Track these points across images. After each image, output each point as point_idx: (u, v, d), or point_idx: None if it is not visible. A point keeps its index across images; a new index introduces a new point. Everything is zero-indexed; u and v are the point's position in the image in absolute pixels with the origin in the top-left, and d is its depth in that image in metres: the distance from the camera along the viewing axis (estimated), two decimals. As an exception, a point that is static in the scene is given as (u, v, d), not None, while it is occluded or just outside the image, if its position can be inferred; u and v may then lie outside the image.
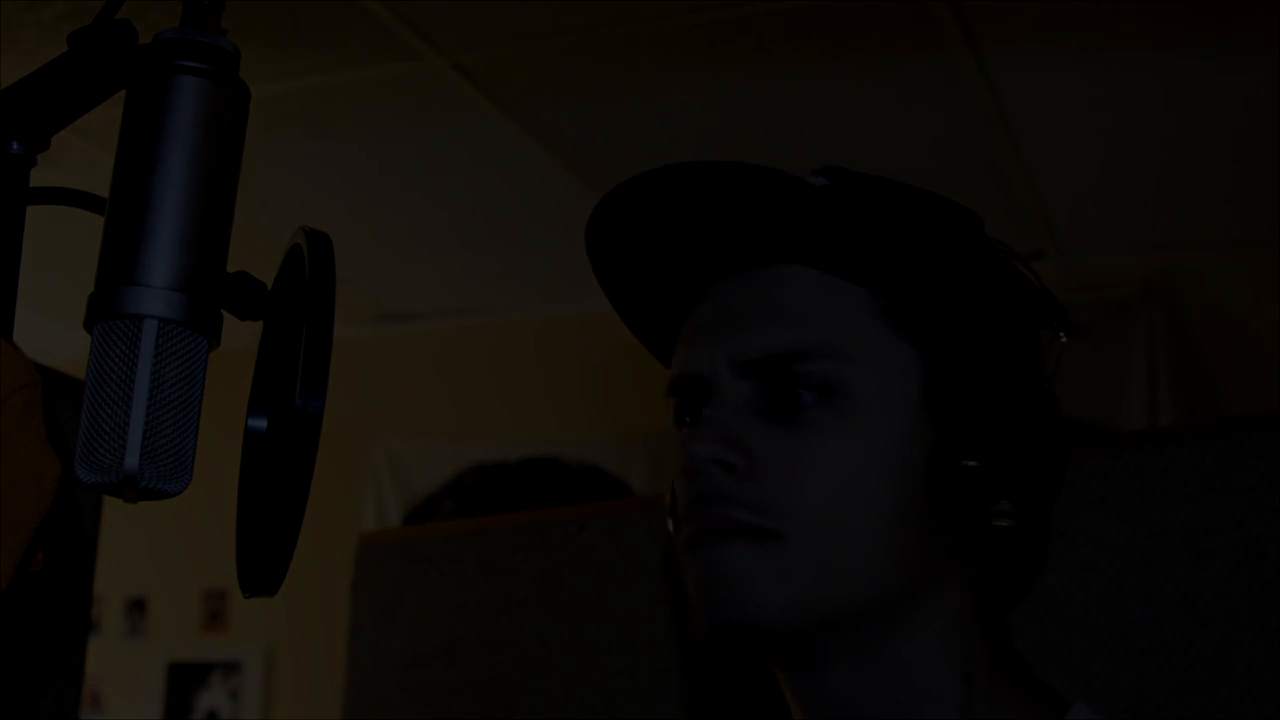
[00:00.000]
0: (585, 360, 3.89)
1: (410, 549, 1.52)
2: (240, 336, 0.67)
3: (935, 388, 0.75)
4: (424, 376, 4.22)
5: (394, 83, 2.79)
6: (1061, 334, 0.78)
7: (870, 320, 0.75)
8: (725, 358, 0.77)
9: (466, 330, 4.18)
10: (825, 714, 0.77)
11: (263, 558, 0.56)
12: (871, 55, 2.64)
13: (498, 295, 4.04)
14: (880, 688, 0.75)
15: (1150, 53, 2.60)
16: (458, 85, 2.77)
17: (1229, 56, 2.61)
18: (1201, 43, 2.56)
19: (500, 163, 3.15)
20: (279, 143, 3.03)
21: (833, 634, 0.75)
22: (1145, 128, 2.93)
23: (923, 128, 2.93)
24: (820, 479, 0.73)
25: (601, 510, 1.39)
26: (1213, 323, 3.43)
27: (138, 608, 4.33)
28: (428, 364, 4.23)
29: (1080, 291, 3.44)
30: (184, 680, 4.24)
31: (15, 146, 0.57)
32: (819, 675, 0.76)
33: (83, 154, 2.15)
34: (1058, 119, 2.90)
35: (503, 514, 1.51)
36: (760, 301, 0.78)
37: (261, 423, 0.61)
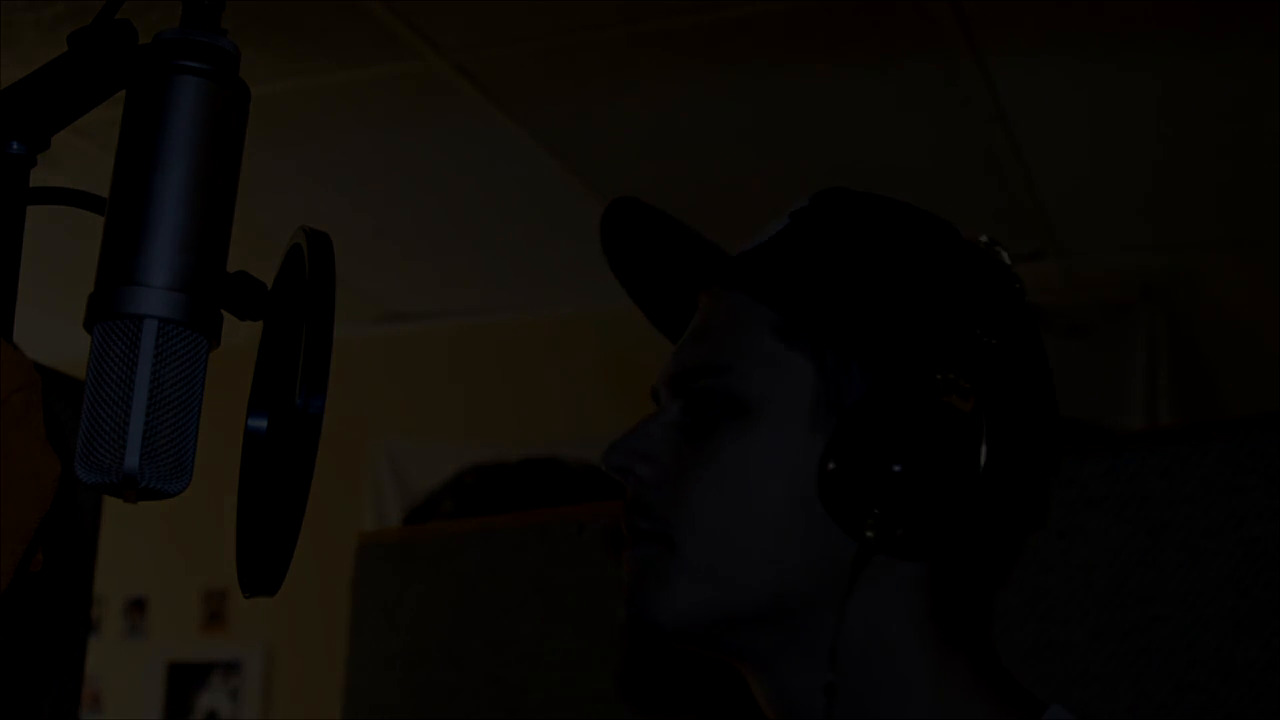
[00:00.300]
0: (585, 360, 3.89)
1: (410, 549, 1.52)
2: (240, 336, 0.67)
3: (826, 398, 0.76)
4: (424, 376, 4.22)
5: (394, 83, 2.79)
6: (994, 340, 0.75)
7: (769, 336, 0.78)
8: (663, 375, 0.82)
9: (466, 330, 4.18)
10: (785, 713, 0.78)
11: (263, 558, 0.56)
12: (871, 56, 2.63)
13: (498, 295, 4.04)
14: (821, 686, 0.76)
15: (1149, 53, 2.60)
16: (458, 85, 2.77)
17: (1228, 57, 2.61)
18: (1200, 43, 2.56)
19: (500, 163, 3.15)
20: (279, 143, 3.03)
21: (741, 635, 0.77)
22: (1145, 128, 2.93)
23: (923, 128, 2.93)
24: (708, 488, 0.76)
25: (601, 510, 1.39)
26: (1213, 323, 3.43)
27: (138, 608, 4.33)
28: (428, 364, 4.23)
29: (1080, 291, 3.44)
30: (184, 680, 4.24)
31: (15, 146, 0.57)
32: (767, 675, 0.78)
33: (83, 154, 2.15)
34: (1058, 119, 2.90)
35: (503, 514, 1.51)
36: (695, 323, 0.83)
37: (261, 423, 0.61)
